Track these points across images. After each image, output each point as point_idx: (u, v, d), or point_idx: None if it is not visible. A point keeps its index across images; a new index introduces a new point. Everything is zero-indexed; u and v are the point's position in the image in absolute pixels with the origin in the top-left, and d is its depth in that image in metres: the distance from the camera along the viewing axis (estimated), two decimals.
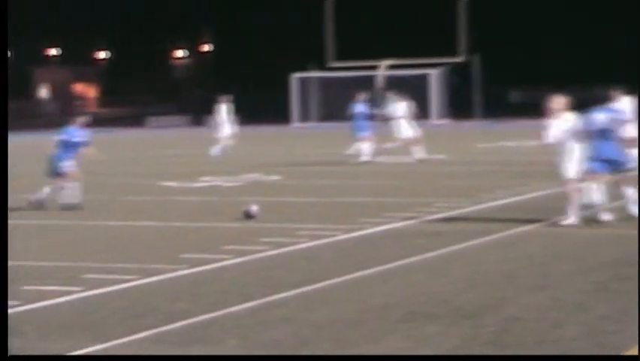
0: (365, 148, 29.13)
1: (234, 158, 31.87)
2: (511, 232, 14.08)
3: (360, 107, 30.31)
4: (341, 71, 63.80)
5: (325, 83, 65.36)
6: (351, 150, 29.91)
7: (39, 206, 18.14)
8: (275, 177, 24.43)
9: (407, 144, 29.69)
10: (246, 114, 73.02)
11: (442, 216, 16.09)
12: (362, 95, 31.30)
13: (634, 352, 7.67)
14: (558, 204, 17.16)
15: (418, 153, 28.94)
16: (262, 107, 73.31)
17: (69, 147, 18.71)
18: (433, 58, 60.15)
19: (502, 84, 74.35)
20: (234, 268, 11.79)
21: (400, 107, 30.06)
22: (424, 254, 12.33)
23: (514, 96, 79.25)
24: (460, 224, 15.14)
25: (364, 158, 28.73)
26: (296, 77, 65.20)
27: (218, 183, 23.02)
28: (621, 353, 7.69)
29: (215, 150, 33.79)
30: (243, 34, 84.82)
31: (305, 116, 65.91)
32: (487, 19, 71.60)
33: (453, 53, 60.79)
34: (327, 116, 64.13)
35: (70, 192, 18.40)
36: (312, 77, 65.98)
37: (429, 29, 71.07)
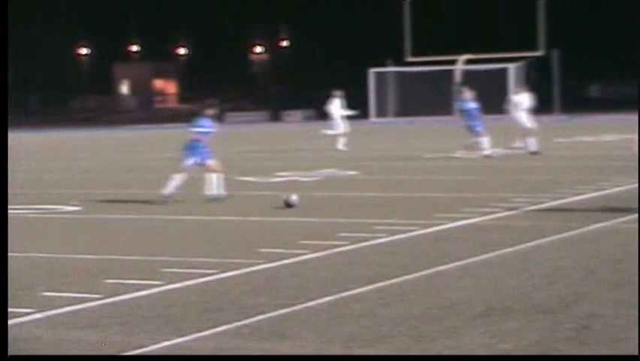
0: (485, 142, 29.11)
1: (325, 152, 31.94)
2: (591, 227, 13.92)
3: (472, 104, 30.23)
4: (419, 66, 63.58)
5: (403, 78, 65.16)
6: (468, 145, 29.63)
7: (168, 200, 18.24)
8: (352, 173, 24.45)
9: (525, 135, 29.93)
10: (324, 110, 73.27)
11: (520, 211, 15.96)
12: (469, 92, 30.87)
13: None
14: (636, 199, 16.92)
15: (532, 145, 29.07)
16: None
17: (204, 139, 18.99)
18: (512, 52, 59.68)
19: (581, 78, 73.51)
20: (312, 262, 11.84)
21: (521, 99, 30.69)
22: (502, 250, 12.25)
23: (594, 90, 78.32)
24: (539, 219, 15.01)
25: (486, 152, 28.70)
26: (373, 72, 65.10)
27: (296, 178, 23.12)
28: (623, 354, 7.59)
29: (340, 144, 33.84)
30: (321, 29, 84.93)
31: (382, 112, 65.77)
32: (566, 13, 70.83)
33: (532, 47, 60.25)
34: (405, 112, 64.02)
35: (214, 183, 18.68)
36: (390, 72, 65.81)
37: (507, 23, 70.53)
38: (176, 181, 18.77)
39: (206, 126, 19.19)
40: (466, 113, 29.79)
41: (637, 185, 19.22)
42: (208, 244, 13.55)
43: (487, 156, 28.33)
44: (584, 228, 13.86)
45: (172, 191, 18.64)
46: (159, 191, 18.85)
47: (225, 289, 10.36)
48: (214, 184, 18.86)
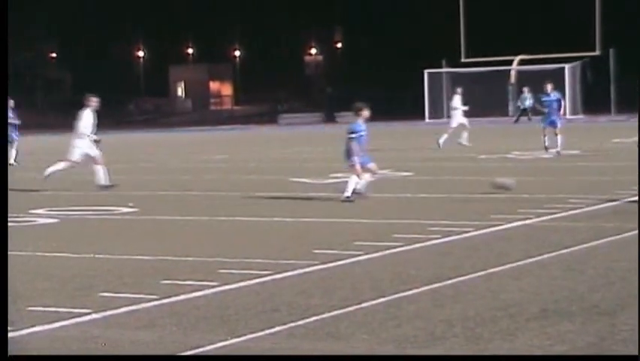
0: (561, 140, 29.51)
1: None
2: None
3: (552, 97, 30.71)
4: (476, 67, 63.32)
5: (457, 78, 64.93)
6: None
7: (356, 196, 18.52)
8: (406, 173, 24.41)
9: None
10: (379, 111, 73.23)
11: (576, 212, 15.85)
12: (550, 85, 31.23)
13: None
14: None
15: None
16: (394, 103, 73.30)
17: (361, 142, 19.30)
18: (567, 52, 59.22)
19: (637, 78, 72.72)
20: (366, 263, 11.84)
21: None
22: (558, 251, 12.17)
23: None
24: (596, 220, 14.89)
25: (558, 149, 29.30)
26: (428, 72, 64.96)
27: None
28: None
29: (464, 139, 33.97)
30: (374, 30, 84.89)
31: (438, 112, 65.59)
32: (622, 12, 70.14)
33: (588, 46, 59.76)
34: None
35: (364, 183, 19.04)
36: (444, 73, 65.61)
37: (563, 23, 70.01)
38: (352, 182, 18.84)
39: (360, 130, 19.27)
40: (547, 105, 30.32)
41: None
42: (263, 245, 13.60)
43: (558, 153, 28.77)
44: None
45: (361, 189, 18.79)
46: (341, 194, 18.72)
47: (280, 290, 10.39)
48: (364, 184, 18.96)
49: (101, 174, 22.01)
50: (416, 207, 17.61)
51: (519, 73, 64.22)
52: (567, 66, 60.32)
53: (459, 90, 36.78)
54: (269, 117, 78.79)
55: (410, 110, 66.88)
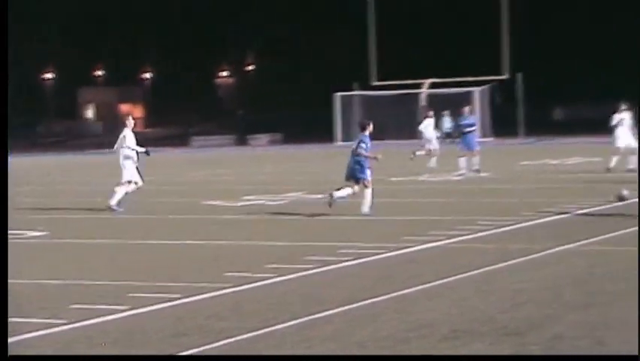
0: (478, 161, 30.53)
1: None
2: (556, 250, 14.01)
3: (470, 120, 31.48)
4: (385, 90, 63.85)
5: (368, 101, 65.39)
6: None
7: None
8: (319, 196, 24.46)
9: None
10: (289, 133, 73.47)
11: (485, 234, 16.04)
12: (468, 109, 32.26)
13: None
14: (602, 222, 17.08)
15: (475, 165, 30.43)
16: (305, 126, 73.53)
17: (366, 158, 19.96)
18: (477, 76, 60.06)
19: (545, 102, 74.06)
20: (279, 286, 11.83)
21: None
22: (468, 272, 12.31)
23: (558, 113, 78.90)
24: (504, 242, 15.09)
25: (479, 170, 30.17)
26: (339, 95, 65.27)
27: (262, 202, 23.11)
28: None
29: (432, 162, 34.11)
30: (287, 53, 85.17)
31: (348, 135, 65.88)
32: (530, 37, 71.43)
33: (496, 70, 60.68)
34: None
35: (368, 200, 19.50)
36: (356, 96, 66.01)
37: (472, 47, 71.03)
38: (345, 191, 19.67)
39: (369, 143, 20.16)
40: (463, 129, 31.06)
41: (600, 207, 19.40)
42: (175, 268, 13.51)
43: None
44: (549, 250, 13.95)
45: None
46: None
47: (191, 313, 10.33)
48: (368, 201, 19.43)
49: None
50: (328, 229, 17.67)
51: (429, 96, 64.96)
52: (477, 90, 61.15)
53: (430, 114, 37.22)
54: (181, 140, 78.38)
55: (321, 133, 67.12)
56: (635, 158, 27.45)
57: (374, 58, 64.75)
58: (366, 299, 10.68)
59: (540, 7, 76.40)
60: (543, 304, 10.24)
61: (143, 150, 22.69)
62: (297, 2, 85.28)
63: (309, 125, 74.91)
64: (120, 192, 22.01)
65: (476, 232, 16.15)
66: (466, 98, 56.54)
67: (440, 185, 27.27)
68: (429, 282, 11.64)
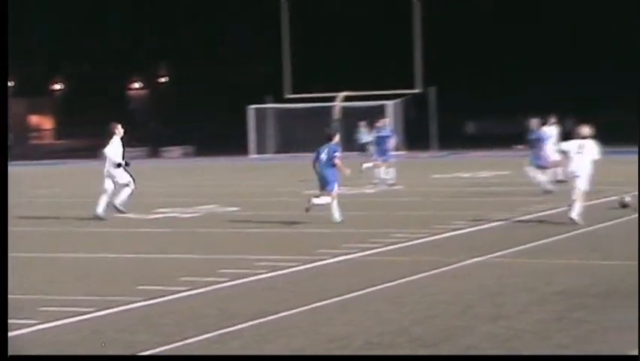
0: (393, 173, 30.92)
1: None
2: (467, 262, 14.14)
3: (385, 132, 31.80)
4: (298, 103, 63.98)
5: (282, 114, 65.47)
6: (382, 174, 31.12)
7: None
8: (232, 208, 24.39)
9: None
10: (202, 146, 73.12)
11: (398, 246, 16.13)
12: (384, 121, 32.73)
13: None
14: (512, 235, 17.30)
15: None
16: (219, 138, 73.28)
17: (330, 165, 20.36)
18: (390, 89, 60.50)
19: (457, 116, 74.86)
20: (191, 299, 11.74)
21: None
22: (381, 285, 12.35)
23: (470, 127, 79.82)
24: (417, 255, 15.19)
25: (391, 181, 30.52)
26: (252, 108, 65.21)
27: (175, 215, 22.95)
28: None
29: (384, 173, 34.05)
30: (200, 65, 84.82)
31: (262, 148, 65.86)
32: (443, 52, 72.22)
33: (409, 84, 61.21)
34: (284, 148, 64.22)
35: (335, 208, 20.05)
36: (269, 109, 66.03)
37: (386, 61, 71.54)
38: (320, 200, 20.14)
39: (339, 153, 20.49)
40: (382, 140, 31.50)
41: (507, 221, 19.66)
42: (86, 281, 13.33)
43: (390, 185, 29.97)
44: (461, 262, 14.07)
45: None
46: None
47: (102, 326, 10.19)
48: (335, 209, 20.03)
49: None
50: (243, 242, 17.61)
51: (344, 109, 65.25)
52: (389, 103, 61.56)
53: (363, 123, 37.53)
54: (92, 152, 77.52)
55: (235, 146, 66.95)
56: (560, 170, 28.14)
57: (288, 71, 64.86)
58: (279, 312, 10.65)
59: (453, 22, 77.31)
60: (455, 315, 10.31)
61: (121, 161, 22.69)
62: (211, 14, 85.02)
63: (222, 138, 74.65)
64: (125, 193, 22.47)
65: (390, 245, 16.22)
66: (380, 112, 56.96)
67: (354, 198, 27.35)
68: (342, 295, 11.65)
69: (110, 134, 22.81)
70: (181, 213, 23.17)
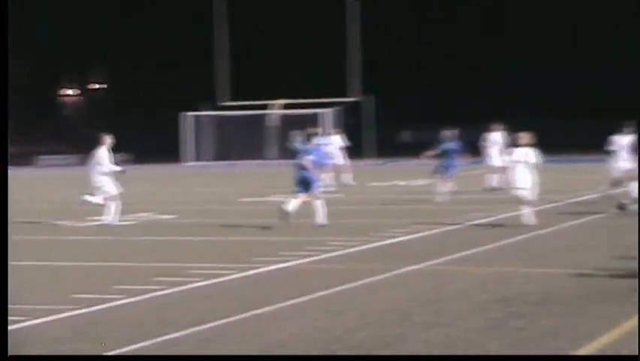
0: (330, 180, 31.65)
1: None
2: (404, 270, 14.19)
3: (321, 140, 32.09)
4: (234, 110, 63.87)
5: (218, 122, 65.29)
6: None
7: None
8: (168, 216, 24.24)
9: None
10: (138, 154, 72.64)
11: (335, 254, 16.13)
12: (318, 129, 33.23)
13: None
14: (449, 242, 17.40)
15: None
16: (154, 146, 72.86)
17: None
18: (327, 98, 60.66)
19: (394, 124, 75.24)
20: (127, 307, 11.64)
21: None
22: (318, 293, 12.34)
23: (406, 136, 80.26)
24: (354, 263, 15.21)
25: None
26: (188, 115, 64.93)
27: (111, 222, 22.72)
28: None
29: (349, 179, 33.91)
30: (135, 72, 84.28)
31: (197, 155, 65.61)
32: (382, 60, 72.55)
33: (346, 93, 61.43)
34: (221, 155, 64.03)
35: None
36: (206, 116, 65.79)
37: (325, 69, 71.69)
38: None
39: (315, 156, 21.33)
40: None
41: (445, 229, 19.77)
42: (19, 290, 13.15)
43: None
44: (398, 270, 14.11)
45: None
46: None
47: (36, 336, 10.06)
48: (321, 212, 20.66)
49: None
50: (179, 250, 17.50)
51: (281, 117, 65.24)
52: (327, 111, 61.73)
53: (334, 131, 37.78)
54: (26, 159, 76.65)
55: (172, 154, 66.63)
56: (497, 177, 28.58)
57: (224, 78, 64.71)
58: (216, 320, 10.60)
59: (392, 32, 77.67)
60: (392, 324, 10.34)
61: (118, 168, 22.80)
62: (146, 22, 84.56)
63: (157, 145, 74.25)
64: (113, 208, 22.29)
65: (327, 253, 16.23)
66: (317, 120, 57.06)
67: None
68: (279, 303, 11.62)
69: (99, 145, 22.79)
70: (117, 221, 22.96)
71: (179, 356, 9.01)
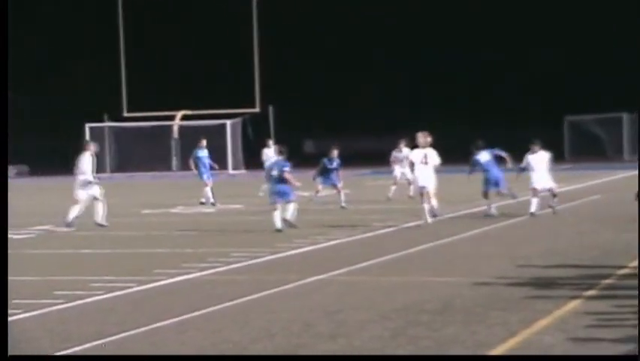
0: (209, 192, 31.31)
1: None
2: (308, 280, 14.20)
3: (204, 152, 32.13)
4: (136, 122, 63.36)
5: (120, 133, 64.67)
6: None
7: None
8: (67, 229, 23.90)
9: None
10: (36, 165, 71.54)
11: (239, 265, 16.09)
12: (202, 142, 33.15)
13: None
14: (353, 252, 17.49)
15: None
16: (54, 157, 71.83)
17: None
18: (229, 108, 60.55)
19: (296, 135, 75.42)
20: (25, 322, 11.43)
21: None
22: (222, 304, 12.29)
23: (308, 146, 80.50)
24: (258, 273, 15.18)
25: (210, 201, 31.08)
26: (89, 127, 64.15)
27: (8, 236, 22.31)
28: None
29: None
30: (35, 81, 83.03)
31: (99, 167, 64.88)
32: (281, 71, 72.67)
33: (249, 103, 61.42)
34: (122, 167, 63.44)
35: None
36: (107, 127, 65.10)
37: (225, 80, 71.52)
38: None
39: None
40: (200, 162, 31.79)
41: (348, 239, 19.87)
42: None
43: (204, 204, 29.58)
44: (301, 281, 14.13)
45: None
46: None
47: None
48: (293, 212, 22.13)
49: None
50: (78, 263, 17.26)
51: (182, 128, 64.91)
52: (229, 122, 61.57)
53: (270, 143, 37.86)
54: None
55: (72, 165, 65.76)
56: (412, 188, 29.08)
57: (125, 89, 64.17)
58: (117, 334, 10.47)
59: (291, 41, 77.84)
60: (295, 334, 10.34)
61: (93, 179, 24.77)
62: (48, 31, 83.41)
63: (57, 156, 73.21)
64: (100, 207, 24.21)
65: (230, 264, 16.17)
66: (219, 131, 57.00)
67: (192, 217, 27.20)
68: (182, 314, 11.54)
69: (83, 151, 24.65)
70: (15, 234, 22.57)
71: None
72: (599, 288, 12.82)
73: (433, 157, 21.98)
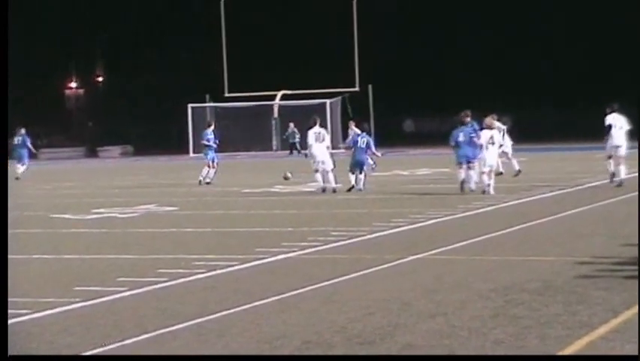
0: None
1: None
2: (406, 259, 14.22)
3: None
4: (237, 102, 63.87)
5: (221, 113, 65.27)
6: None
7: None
8: (171, 208, 24.29)
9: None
10: (141, 145, 72.70)
11: (338, 245, 16.17)
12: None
13: None
14: (450, 232, 17.44)
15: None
16: (158, 138, 72.90)
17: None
18: (329, 88, 60.64)
19: (396, 114, 75.18)
20: (130, 299, 11.68)
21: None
22: (320, 283, 12.38)
23: (408, 125, 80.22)
24: (356, 253, 15.24)
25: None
26: (192, 107, 64.90)
27: (114, 215, 22.79)
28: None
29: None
30: (137, 65, 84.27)
31: (201, 147, 65.62)
32: (381, 50, 72.50)
33: (348, 83, 61.42)
34: (222, 146, 64.08)
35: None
36: (208, 108, 65.76)
37: (324, 59, 71.62)
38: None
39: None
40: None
41: (446, 218, 19.81)
42: (22, 283, 13.20)
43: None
44: (399, 260, 14.15)
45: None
46: None
47: (40, 329, 10.11)
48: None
49: None
50: (181, 242, 17.53)
51: (282, 108, 65.26)
52: (328, 101, 61.69)
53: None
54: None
55: (174, 145, 66.62)
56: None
57: (226, 69, 64.71)
58: (218, 312, 10.64)
59: (390, 21, 77.62)
60: (393, 313, 10.37)
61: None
62: (147, 14, 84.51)
63: (161, 137, 74.29)
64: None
65: (329, 243, 16.26)
66: (318, 110, 57.13)
67: (292, 196, 27.38)
68: (281, 293, 11.66)
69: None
70: (119, 214, 23.03)
71: (181, 355, 9.05)
72: None
73: (500, 138, 27.05)
